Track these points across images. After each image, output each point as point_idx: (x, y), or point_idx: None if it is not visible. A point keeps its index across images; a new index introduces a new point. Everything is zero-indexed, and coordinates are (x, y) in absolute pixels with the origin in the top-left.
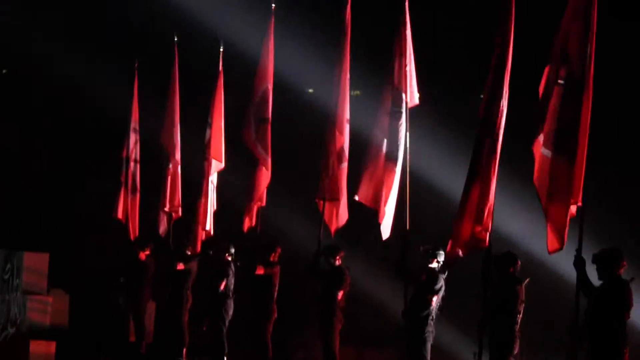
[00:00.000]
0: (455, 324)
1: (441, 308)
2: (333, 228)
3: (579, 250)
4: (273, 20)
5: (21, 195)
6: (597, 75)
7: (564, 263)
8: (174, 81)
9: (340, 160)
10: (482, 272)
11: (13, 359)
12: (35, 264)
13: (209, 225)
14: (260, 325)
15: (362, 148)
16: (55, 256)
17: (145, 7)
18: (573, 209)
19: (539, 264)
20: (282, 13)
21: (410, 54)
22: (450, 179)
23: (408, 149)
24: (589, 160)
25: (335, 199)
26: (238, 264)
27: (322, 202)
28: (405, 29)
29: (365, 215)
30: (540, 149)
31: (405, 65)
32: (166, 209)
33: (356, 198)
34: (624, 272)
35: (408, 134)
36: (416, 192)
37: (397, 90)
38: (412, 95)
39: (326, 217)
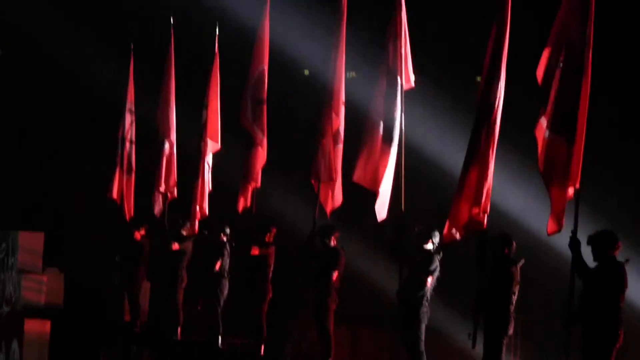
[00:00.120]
0: (450, 305)
1: (436, 289)
2: (329, 209)
3: (574, 232)
4: (269, 1)
5: (17, 174)
6: (596, 59)
7: (559, 243)
8: (170, 63)
9: (335, 141)
10: (477, 254)
11: (8, 338)
12: (30, 243)
13: (205, 205)
14: (255, 305)
15: (357, 129)
16: (50, 235)
17: None
18: (570, 191)
19: (535, 244)
20: None
21: (405, 36)
22: (447, 160)
23: (404, 130)
24: (586, 142)
25: (331, 180)
26: (233, 244)
27: (317, 183)
28: (400, 11)
29: (361, 196)
30: (544, 132)
31: (401, 47)
32: (161, 189)
33: (353, 179)
34: (618, 254)
35: (404, 115)
36: (412, 173)
37: (393, 72)
38: (407, 77)
39: (321, 198)
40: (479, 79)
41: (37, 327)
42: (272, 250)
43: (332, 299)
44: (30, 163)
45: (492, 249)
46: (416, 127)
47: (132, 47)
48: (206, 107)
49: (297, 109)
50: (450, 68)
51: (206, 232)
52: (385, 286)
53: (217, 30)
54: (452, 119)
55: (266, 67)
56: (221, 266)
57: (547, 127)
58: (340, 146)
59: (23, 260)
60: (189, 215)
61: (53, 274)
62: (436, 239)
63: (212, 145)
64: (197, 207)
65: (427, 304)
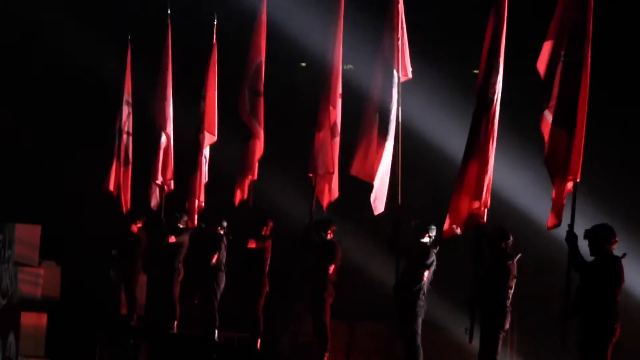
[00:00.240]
0: (446, 299)
1: (432, 283)
2: (325, 202)
3: (571, 226)
4: None
5: (14, 167)
6: (597, 53)
7: (559, 236)
8: (167, 54)
9: (333, 134)
10: (474, 248)
11: (4, 331)
12: (27, 235)
13: (202, 198)
14: (252, 298)
15: (354, 122)
16: (47, 228)
17: None
18: (569, 185)
19: (535, 238)
20: None
21: (402, 27)
22: (445, 153)
23: (400, 122)
24: (586, 136)
25: (329, 173)
26: (230, 237)
27: (314, 176)
28: (398, 2)
29: (358, 190)
30: (550, 126)
31: (398, 39)
32: (158, 181)
33: (351, 172)
34: (615, 248)
35: (400, 107)
36: (409, 166)
37: (389, 64)
38: (404, 69)
39: (318, 191)
40: (476, 71)
41: (33, 320)
42: (268, 243)
43: (329, 292)
44: (26, 155)
45: (488, 243)
46: (414, 119)
47: (129, 38)
48: (204, 98)
49: (294, 101)
50: (448, 60)
51: (203, 225)
52: (381, 280)
53: (215, 20)
54: (451, 111)
55: (263, 60)
56: (218, 259)
57: (552, 121)
58: (338, 139)
59: (20, 253)
60: (186, 208)
61: (50, 266)
62: (433, 232)
63: (209, 138)
64: (196, 201)
65: (423, 298)
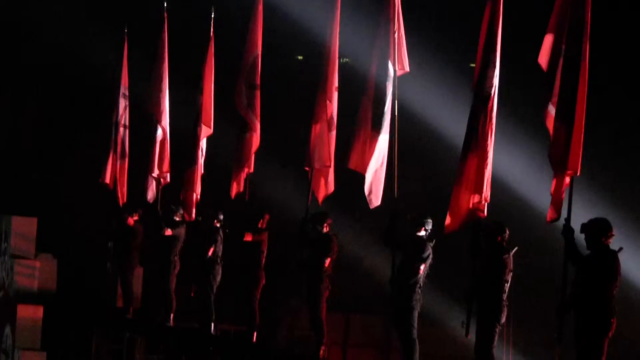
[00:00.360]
0: (443, 293)
1: (429, 276)
2: (321, 196)
3: (567, 220)
4: None
5: (10, 159)
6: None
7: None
8: (163, 47)
9: (329, 128)
10: (471, 242)
11: (0, 323)
12: (23, 228)
13: (198, 191)
14: (248, 291)
15: (351, 116)
16: (43, 220)
17: None
18: (567, 179)
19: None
20: None
21: (399, 20)
22: (442, 146)
23: (397, 116)
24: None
25: (325, 167)
26: (227, 230)
27: (310, 169)
28: None
29: (354, 183)
30: (553, 121)
31: (394, 32)
32: (154, 174)
33: (349, 166)
34: (611, 242)
35: (397, 101)
36: (406, 159)
37: (384, 57)
38: (401, 62)
39: (314, 184)
40: (473, 65)
41: (30, 313)
42: (265, 236)
43: (325, 285)
44: (23, 147)
45: (485, 238)
46: (411, 111)
47: (126, 31)
48: (201, 91)
49: (291, 94)
50: (445, 53)
51: (199, 218)
52: (377, 273)
53: (212, 13)
54: (448, 105)
55: (260, 53)
56: (214, 252)
57: (555, 115)
58: (334, 133)
59: (16, 245)
60: (182, 200)
61: (46, 259)
62: (429, 226)
63: (206, 130)
64: (194, 194)
65: (419, 291)
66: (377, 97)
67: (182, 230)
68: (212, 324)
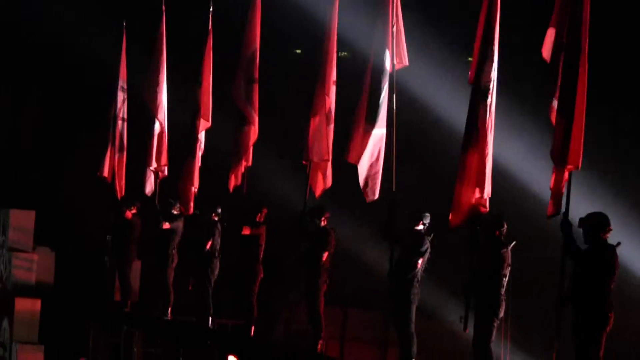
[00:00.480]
0: (441, 287)
1: (427, 270)
2: (319, 189)
3: (565, 214)
4: None
5: (8, 152)
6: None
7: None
8: (161, 40)
9: (327, 121)
10: (469, 236)
11: None
12: (21, 221)
13: (196, 184)
14: (246, 285)
15: (349, 110)
16: (41, 214)
17: None
18: (567, 174)
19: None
20: None
21: (397, 14)
22: (442, 140)
23: (395, 109)
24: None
25: (323, 160)
26: (225, 224)
27: (308, 163)
28: None
29: (353, 177)
30: (556, 115)
31: (392, 26)
32: (152, 168)
33: (348, 159)
34: (609, 237)
35: (394, 95)
36: (404, 154)
37: (381, 51)
38: (399, 56)
39: (312, 178)
40: (470, 59)
41: (27, 306)
42: (263, 230)
43: (323, 279)
44: (23, 147)
45: (483, 232)
46: (409, 106)
47: (124, 24)
48: (200, 85)
49: (289, 88)
50: (443, 47)
51: (197, 212)
52: (376, 267)
53: (211, 7)
54: (446, 98)
55: (258, 47)
56: (212, 246)
57: (557, 109)
58: (332, 127)
59: (14, 238)
60: (180, 194)
61: (44, 252)
62: (427, 220)
63: (204, 124)
64: (192, 187)
65: (417, 285)
66: (373, 90)
67: (180, 224)
68: (210, 318)
